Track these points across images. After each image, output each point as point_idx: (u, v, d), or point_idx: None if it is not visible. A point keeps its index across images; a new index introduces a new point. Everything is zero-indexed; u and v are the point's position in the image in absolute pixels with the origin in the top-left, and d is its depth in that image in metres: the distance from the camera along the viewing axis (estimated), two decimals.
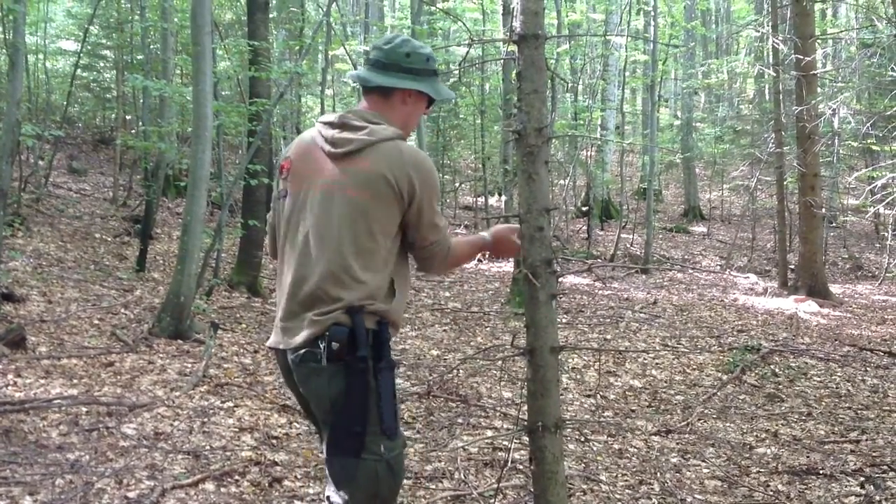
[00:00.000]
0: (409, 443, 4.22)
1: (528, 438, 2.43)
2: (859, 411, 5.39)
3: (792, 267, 12.09)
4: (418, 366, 6.16)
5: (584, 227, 16.21)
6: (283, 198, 2.32)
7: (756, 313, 9.46)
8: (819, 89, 11.87)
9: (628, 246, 15.26)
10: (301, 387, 2.24)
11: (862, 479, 4.03)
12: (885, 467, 4.20)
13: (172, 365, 5.58)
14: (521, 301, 8.13)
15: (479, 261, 12.12)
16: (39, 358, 5.43)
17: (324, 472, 2.41)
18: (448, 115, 17.29)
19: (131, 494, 3.38)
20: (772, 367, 6.57)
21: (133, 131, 13.23)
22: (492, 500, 3.57)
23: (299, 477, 3.72)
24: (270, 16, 10.85)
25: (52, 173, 12.48)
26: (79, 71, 13.72)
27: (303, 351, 2.17)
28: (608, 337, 7.74)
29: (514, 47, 2.34)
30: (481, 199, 17.51)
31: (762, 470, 4.18)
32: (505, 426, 4.73)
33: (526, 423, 2.40)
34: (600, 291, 10.64)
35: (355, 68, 2.48)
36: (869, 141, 13.12)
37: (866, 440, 4.73)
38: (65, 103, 13.81)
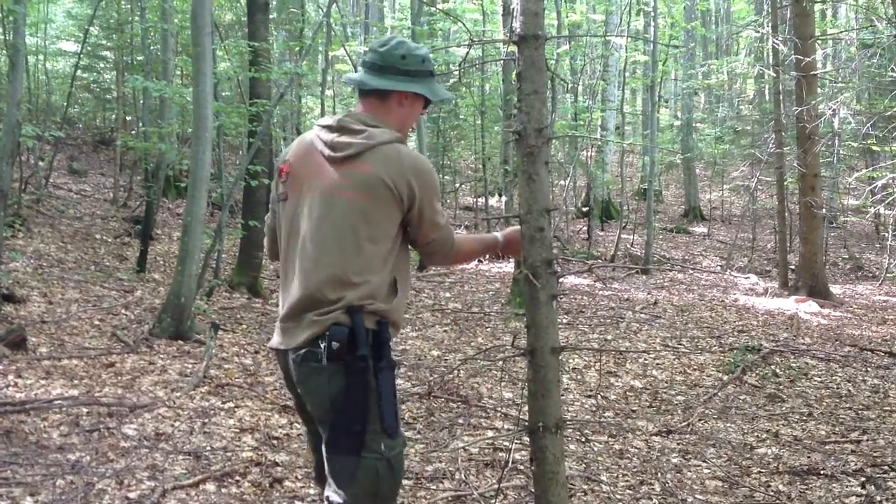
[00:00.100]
0: (409, 443, 4.23)
1: (528, 439, 2.43)
2: (860, 411, 5.39)
3: (792, 267, 12.09)
4: (419, 366, 6.16)
5: (585, 228, 16.21)
6: (283, 201, 2.33)
7: (756, 314, 9.46)
8: (819, 90, 11.88)
9: (629, 246, 15.27)
10: (300, 386, 2.25)
11: (863, 479, 4.03)
12: (886, 467, 4.20)
13: (173, 366, 5.58)
14: (521, 302, 8.13)
15: (480, 261, 12.12)
16: (40, 359, 5.43)
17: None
18: (448, 115, 17.30)
19: (132, 495, 3.39)
20: (772, 367, 6.57)
21: (133, 132, 13.24)
22: (492, 501, 3.57)
23: (300, 477, 3.72)
24: (270, 17, 10.85)
25: (53, 174, 12.48)
26: (79, 72, 13.73)
27: (303, 350, 2.18)
28: (609, 337, 7.74)
29: (514, 48, 2.35)
30: (481, 200, 17.52)
31: (763, 470, 4.18)
32: (506, 427, 4.72)
33: (527, 423, 2.40)
34: (601, 292, 10.64)
35: (355, 69, 2.49)
36: (869, 141, 13.11)
37: (867, 440, 4.73)
38: (65, 104, 13.82)
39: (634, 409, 5.35)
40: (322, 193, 2.22)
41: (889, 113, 10.79)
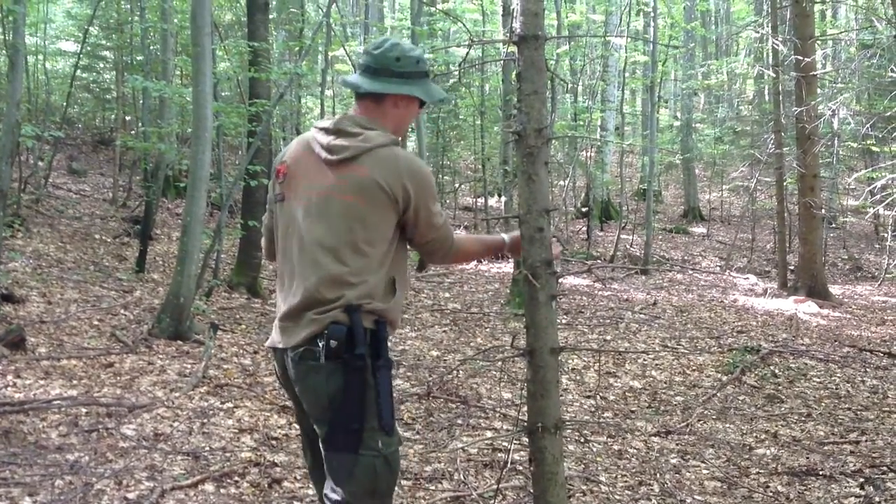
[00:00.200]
0: (408, 444, 4.23)
1: (527, 439, 2.43)
2: (859, 412, 5.39)
3: (791, 268, 12.09)
4: (418, 367, 6.16)
5: (584, 228, 16.21)
6: (280, 201, 2.36)
7: (756, 314, 9.46)
8: (819, 90, 11.89)
9: (628, 247, 15.27)
10: (298, 385, 2.27)
11: (861, 479, 4.03)
12: (885, 468, 4.20)
13: (172, 366, 5.58)
14: (520, 302, 8.13)
15: (479, 261, 12.12)
16: (39, 359, 5.43)
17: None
18: (448, 115, 17.29)
19: (131, 495, 3.38)
20: (771, 367, 6.57)
21: (133, 132, 13.24)
22: (491, 502, 3.57)
23: (299, 478, 3.71)
24: (270, 17, 10.85)
25: (52, 174, 12.48)
26: (78, 72, 13.72)
27: (301, 349, 2.21)
28: (608, 338, 7.74)
29: (514, 48, 2.35)
30: (481, 200, 17.51)
31: (762, 471, 4.18)
32: (505, 427, 4.73)
33: (526, 423, 2.40)
34: (600, 292, 10.65)
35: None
36: (868, 142, 13.13)
37: (866, 441, 4.73)
38: (64, 104, 13.82)
39: (633, 409, 5.35)
40: (319, 195, 2.24)
41: (888, 114, 10.80)
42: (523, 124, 2.31)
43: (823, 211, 11.85)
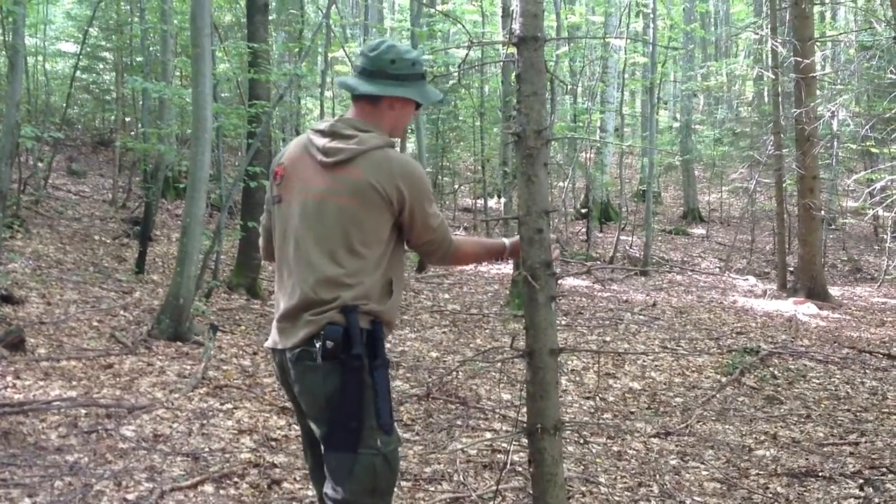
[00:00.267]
0: (408, 445, 4.23)
1: (527, 440, 2.43)
2: (858, 413, 5.40)
3: (791, 269, 12.09)
4: (417, 368, 6.16)
5: (584, 230, 16.21)
6: (277, 203, 2.38)
7: (755, 315, 9.46)
8: (818, 92, 11.88)
9: (627, 248, 15.27)
10: (296, 385, 2.29)
11: (861, 481, 4.03)
12: (884, 469, 4.20)
13: (171, 367, 5.58)
14: (520, 303, 8.13)
15: (478, 264, 12.11)
16: (38, 360, 5.43)
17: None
18: (447, 117, 17.30)
19: (130, 496, 3.38)
20: (771, 369, 6.57)
21: (132, 133, 13.25)
22: (491, 503, 3.57)
23: (298, 479, 3.71)
24: (270, 18, 10.86)
25: (52, 175, 12.49)
26: (78, 73, 13.73)
27: (299, 350, 2.23)
28: (607, 339, 7.74)
29: (513, 49, 2.36)
30: (480, 202, 17.51)
31: (761, 472, 4.18)
32: (504, 428, 4.72)
33: (525, 425, 2.40)
34: (599, 293, 10.65)
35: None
36: (868, 143, 13.14)
37: (865, 442, 4.73)
38: (64, 105, 13.82)
39: (633, 410, 5.35)
40: (314, 197, 2.26)
41: (888, 115, 10.80)
42: (523, 125, 2.32)
43: (823, 212, 11.85)
